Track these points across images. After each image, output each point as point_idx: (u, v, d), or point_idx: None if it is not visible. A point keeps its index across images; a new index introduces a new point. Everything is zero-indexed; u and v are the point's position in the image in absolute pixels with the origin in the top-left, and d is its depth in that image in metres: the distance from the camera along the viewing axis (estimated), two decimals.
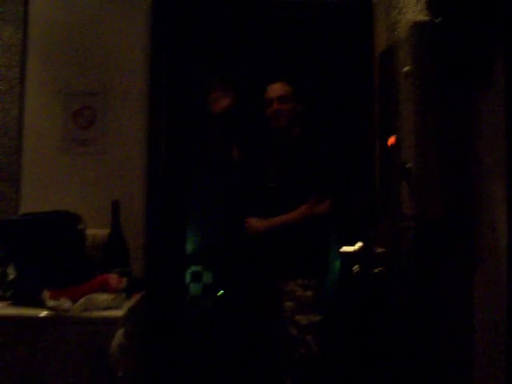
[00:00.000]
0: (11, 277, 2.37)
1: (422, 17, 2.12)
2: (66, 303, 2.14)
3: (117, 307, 2.21)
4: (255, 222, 2.69)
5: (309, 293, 2.59)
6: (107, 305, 2.19)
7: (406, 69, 1.92)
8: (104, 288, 2.24)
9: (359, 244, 2.10)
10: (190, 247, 4.08)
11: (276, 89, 2.80)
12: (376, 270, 2.06)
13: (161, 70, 2.89)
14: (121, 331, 2.11)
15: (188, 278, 4.34)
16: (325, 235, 2.74)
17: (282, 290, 2.62)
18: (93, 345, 2.07)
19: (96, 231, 2.57)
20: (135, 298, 2.45)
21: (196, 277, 4.65)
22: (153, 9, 2.90)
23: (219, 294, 4.52)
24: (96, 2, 2.92)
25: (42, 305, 2.14)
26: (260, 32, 3.28)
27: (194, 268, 4.61)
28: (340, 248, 2.17)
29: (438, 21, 1.86)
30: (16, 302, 2.26)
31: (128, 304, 2.31)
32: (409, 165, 1.88)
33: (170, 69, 2.93)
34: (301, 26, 3.21)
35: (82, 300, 2.15)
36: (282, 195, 2.70)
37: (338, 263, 3.09)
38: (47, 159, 2.87)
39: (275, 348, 2.71)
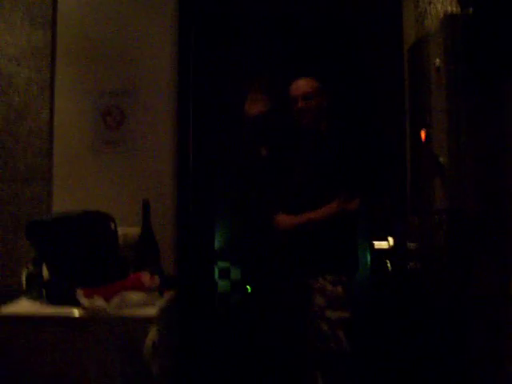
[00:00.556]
0: (44, 276, 2.40)
1: (452, 8, 2.10)
2: (100, 302, 2.16)
3: (150, 305, 2.23)
4: (284, 219, 2.69)
5: (339, 288, 2.59)
6: (141, 303, 2.20)
7: (437, 62, 1.90)
8: (137, 286, 2.26)
9: (391, 239, 2.09)
10: (217, 243, 4.09)
11: (300, 86, 2.76)
12: (409, 266, 2.04)
13: (189, 70, 2.91)
14: (154, 329, 2.13)
15: (216, 274, 4.36)
16: (355, 231, 2.72)
17: (311, 285, 2.62)
18: (127, 343, 2.09)
19: (127, 230, 2.59)
20: (167, 295, 2.47)
21: (224, 273, 4.67)
22: (179, 8, 2.91)
23: (248, 290, 4.53)
24: (124, 4, 2.94)
25: (76, 303, 2.16)
26: (284, 26, 3.27)
27: (221, 264, 4.63)
28: (371, 243, 2.16)
29: (469, 12, 1.83)
30: (50, 301, 2.28)
31: (161, 302, 2.33)
32: (441, 159, 1.86)
33: (197, 69, 2.94)
34: (325, 19, 3.19)
35: (115, 299, 2.17)
36: (311, 192, 2.68)
37: (368, 259, 3.08)
38: (78, 159, 2.90)
39: (306, 343, 2.71)
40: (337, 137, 2.77)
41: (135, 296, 2.21)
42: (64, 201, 2.86)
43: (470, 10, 1.84)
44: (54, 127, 2.93)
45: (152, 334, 2.11)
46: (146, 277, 2.30)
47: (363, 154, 2.69)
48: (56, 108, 2.93)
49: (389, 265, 2.07)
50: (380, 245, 2.11)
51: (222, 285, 4.67)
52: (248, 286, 4.07)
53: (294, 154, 2.80)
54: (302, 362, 2.73)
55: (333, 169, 2.66)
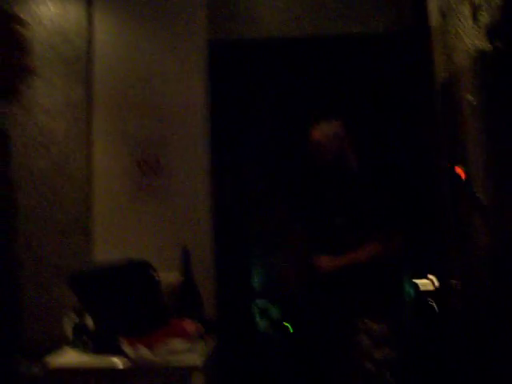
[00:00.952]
0: (88, 327, 2.43)
1: (480, 42, 2.10)
2: (144, 351, 2.17)
3: (194, 353, 2.23)
4: (326, 260, 2.67)
5: (384, 327, 2.55)
6: (185, 351, 2.21)
7: (470, 98, 1.90)
8: (181, 334, 2.26)
9: (432, 277, 2.06)
10: (254, 283, 4.09)
11: (321, 130, 2.72)
12: (450, 304, 2.01)
13: (221, 118, 2.96)
14: (200, 376, 2.13)
15: (255, 313, 4.34)
16: (397, 269, 2.69)
17: (356, 325, 2.59)
18: None
19: (166, 276, 2.61)
20: (210, 341, 2.47)
21: (263, 312, 4.65)
22: (210, 61, 3.00)
23: (287, 328, 4.49)
24: (157, 59, 3.04)
25: (120, 353, 2.18)
26: (312, 66, 3.30)
27: (260, 304, 4.61)
28: (414, 282, 2.12)
29: (498, 46, 1.83)
30: (94, 350, 2.31)
31: (205, 349, 2.33)
32: (480, 195, 1.84)
33: (229, 116, 3.00)
34: (355, 59, 3.21)
35: (160, 347, 2.18)
36: (349, 232, 2.67)
37: (411, 296, 3.03)
38: (116, 208, 2.96)
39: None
40: (372, 175, 2.75)
41: (179, 344, 2.21)
42: (104, 249, 2.91)
43: (499, 44, 1.84)
44: (93, 177, 3.00)
45: (197, 382, 2.11)
46: (189, 324, 2.31)
47: (400, 191, 2.67)
48: (94, 159, 3.01)
49: (434, 304, 2.03)
50: (423, 284, 2.08)
51: (261, 324, 4.64)
52: (289, 326, 4.03)
53: (330, 194, 2.80)
54: None
55: (371, 208, 2.64)
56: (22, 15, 3.10)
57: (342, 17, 3.04)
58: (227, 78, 3.04)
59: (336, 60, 3.17)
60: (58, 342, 2.48)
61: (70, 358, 2.32)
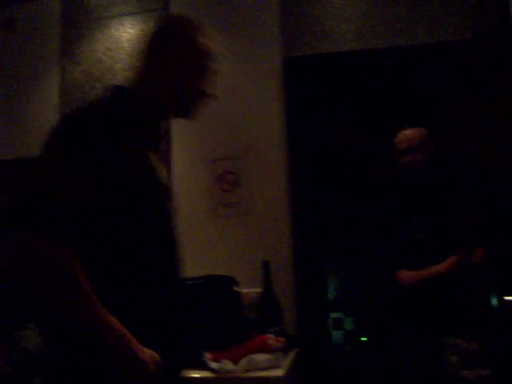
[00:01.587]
0: None
1: None
2: (228, 365, 2.21)
3: (277, 366, 2.25)
4: (407, 275, 2.62)
5: (474, 346, 2.46)
6: (267, 365, 2.23)
7: None
8: (263, 348, 2.29)
9: None
10: (329, 294, 4.09)
11: (407, 138, 2.64)
12: None
13: (297, 132, 2.98)
14: None
15: (330, 325, 4.33)
16: (485, 284, 2.61)
17: (443, 343, 2.52)
18: None
19: (248, 290, 2.65)
20: (291, 355, 2.48)
21: (337, 323, 4.63)
22: (283, 74, 3.04)
23: (362, 340, 4.45)
24: (231, 74, 3.10)
25: (205, 367, 2.22)
26: (387, 78, 3.28)
27: (334, 315, 4.60)
28: (503, 298, 2.06)
29: None
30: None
31: (287, 362, 2.35)
32: None
33: (305, 130, 3.01)
34: (428, 68, 3.17)
35: (243, 361, 2.21)
36: (431, 246, 2.61)
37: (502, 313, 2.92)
38: (196, 224, 3.03)
39: None
40: (454, 186, 2.69)
41: (262, 358, 2.24)
42: (186, 266, 2.97)
43: None
44: (173, 193, 3.08)
45: None
46: (271, 339, 2.33)
47: (483, 203, 2.59)
48: (173, 175, 3.09)
49: None
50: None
51: (336, 335, 4.63)
52: (365, 338, 4.00)
53: (410, 207, 2.74)
54: None
55: (452, 221, 2.58)
56: (104, 39, 3.29)
57: (415, 27, 3.00)
58: (303, 93, 3.06)
59: (412, 70, 3.14)
60: None
61: None
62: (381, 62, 3.05)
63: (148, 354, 1.23)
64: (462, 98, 3.01)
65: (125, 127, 1.34)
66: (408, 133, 2.67)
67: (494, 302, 2.65)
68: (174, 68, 1.50)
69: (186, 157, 3.11)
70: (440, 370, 2.50)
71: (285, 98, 3.03)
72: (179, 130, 3.12)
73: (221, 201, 3.01)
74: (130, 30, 3.30)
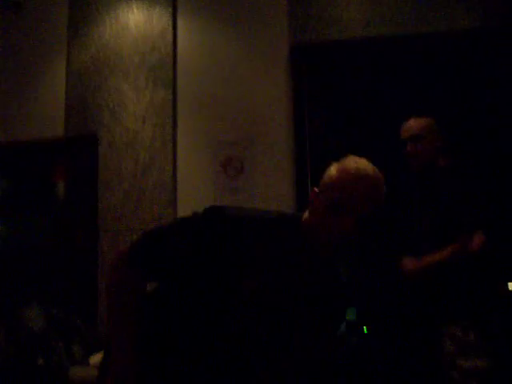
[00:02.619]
0: None
1: None
2: None
3: None
4: (410, 262, 2.61)
5: (471, 335, 2.44)
6: None
7: None
8: None
9: None
10: None
11: (409, 128, 2.57)
12: None
13: (303, 120, 2.98)
14: None
15: None
16: (484, 272, 2.58)
17: (441, 332, 2.51)
18: None
19: None
20: None
21: None
22: (290, 60, 3.03)
23: (364, 330, 4.44)
24: (240, 62, 3.11)
25: None
26: (397, 66, 3.24)
27: None
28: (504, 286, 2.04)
29: None
30: None
31: None
32: None
33: (312, 118, 3.00)
34: (440, 57, 3.13)
35: None
36: (433, 234, 2.59)
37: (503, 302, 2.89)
38: (199, 209, 3.02)
39: None
40: (457, 174, 2.64)
41: None
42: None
43: None
44: (177, 179, 3.09)
45: None
46: None
47: (487, 190, 2.55)
48: (178, 161, 3.10)
49: None
50: None
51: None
52: (365, 327, 4.00)
53: (414, 195, 2.73)
54: None
55: (454, 207, 2.55)
56: (111, 23, 3.28)
57: (427, 15, 2.98)
58: (310, 79, 3.05)
59: (422, 58, 3.11)
60: None
61: None
62: (389, 49, 3.04)
63: None
64: (471, 87, 3.00)
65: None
66: (410, 122, 2.60)
67: (496, 290, 2.63)
68: None
69: (191, 141, 3.12)
70: (438, 358, 2.50)
71: (292, 84, 3.03)
72: (184, 116, 3.12)
73: (225, 186, 3.01)
74: (138, 15, 3.30)
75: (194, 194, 3.06)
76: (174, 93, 3.15)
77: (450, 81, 3.11)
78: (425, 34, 2.97)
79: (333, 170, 1.43)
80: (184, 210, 3.05)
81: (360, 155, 1.42)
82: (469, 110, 3.06)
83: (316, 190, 1.44)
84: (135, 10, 3.30)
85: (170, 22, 3.23)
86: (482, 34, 2.90)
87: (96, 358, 2.54)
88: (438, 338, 2.49)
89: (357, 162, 1.41)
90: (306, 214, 1.46)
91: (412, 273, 2.57)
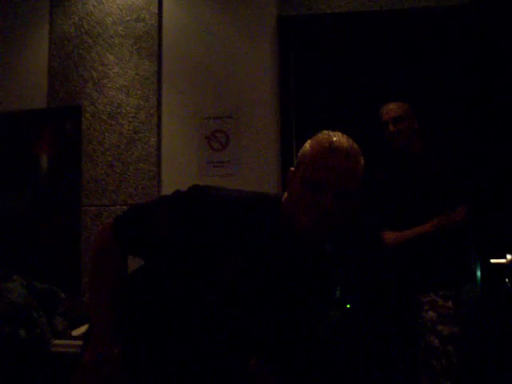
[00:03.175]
0: None
1: None
2: None
3: None
4: (391, 235, 2.68)
5: (449, 303, 2.54)
6: None
7: None
8: None
9: (510, 257, 2.01)
10: None
11: (391, 109, 2.74)
12: None
13: (289, 91, 2.96)
14: None
15: None
16: (464, 245, 2.67)
17: (421, 300, 2.59)
18: None
19: None
20: None
21: None
22: (278, 33, 2.99)
23: (348, 307, 4.49)
24: (225, 34, 3.06)
25: None
26: (383, 41, 3.24)
27: None
28: (485, 259, 2.09)
29: None
30: None
31: None
32: None
33: (298, 91, 2.99)
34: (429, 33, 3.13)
35: None
36: (415, 209, 2.66)
37: (479, 274, 2.99)
38: (185, 182, 2.99)
39: (415, 359, 2.66)
40: (435, 153, 2.74)
41: None
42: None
43: None
44: (162, 151, 3.06)
45: None
46: None
47: (464, 166, 2.64)
48: (163, 133, 3.07)
49: (508, 282, 1.99)
50: (497, 261, 2.04)
51: None
52: (348, 304, 4.03)
53: (394, 175, 2.79)
54: (412, 376, 2.69)
55: (435, 183, 2.63)
56: None
57: None
58: (297, 53, 3.03)
59: (410, 34, 3.10)
60: None
61: None
62: (378, 24, 3.02)
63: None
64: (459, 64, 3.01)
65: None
66: (390, 105, 2.77)
67: (476, 262, 2.71)
68: None
69: (176, 115, 3.08)
70: (416, 325, 2.58)
71: (278, 58, 3.00)
72: (169, 88, 3.08)
73: (210, 159, 3.00)
74: None
75: (179, 166, 3.04)
76: (160, 64, 3.10)
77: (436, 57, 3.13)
78: (412, 9, 2.96)
79: (307, 145, 1.40)
80: (169, 182, 3.03)
81: (346, 128, 1.41)
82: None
83: (292, 169, 1.40)
84: None
85: None
86: (471, 8, 2.88)
87: (79, 332, 2.54)
88: (417, 307, 2.58)
89: (330, 136, 1.36)
90: (286, 195, 1.42)
91: (394, 245, 2.64)
